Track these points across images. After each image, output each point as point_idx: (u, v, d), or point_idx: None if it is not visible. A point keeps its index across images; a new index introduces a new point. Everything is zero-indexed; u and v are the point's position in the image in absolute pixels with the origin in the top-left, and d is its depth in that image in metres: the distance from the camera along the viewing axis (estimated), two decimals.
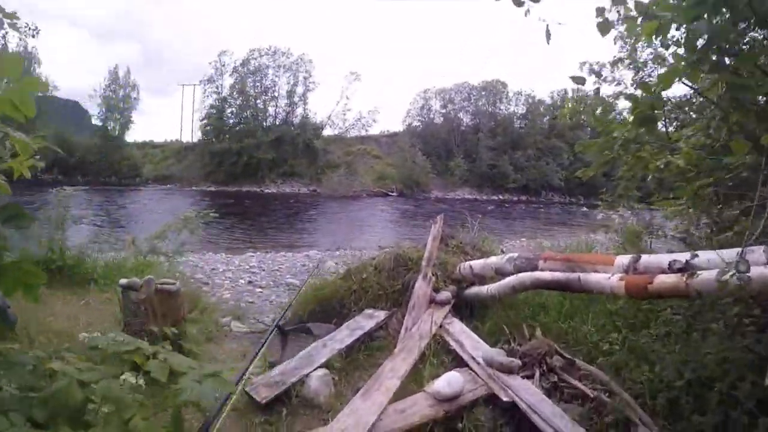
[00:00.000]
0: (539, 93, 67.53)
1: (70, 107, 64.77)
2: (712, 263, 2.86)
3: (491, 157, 58.56)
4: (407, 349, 4.31)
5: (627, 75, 8.23)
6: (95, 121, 57.70)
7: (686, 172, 3.63)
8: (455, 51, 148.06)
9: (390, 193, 51.04)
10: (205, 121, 57.10)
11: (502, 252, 7.39)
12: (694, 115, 4.53)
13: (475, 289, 5.35)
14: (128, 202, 37.80)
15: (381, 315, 5.18)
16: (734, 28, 2.50)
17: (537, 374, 3.85)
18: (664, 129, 4.28)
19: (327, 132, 60.16)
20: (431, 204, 43.95)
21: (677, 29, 2.77)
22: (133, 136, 59.08)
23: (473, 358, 4.10)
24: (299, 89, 59.08)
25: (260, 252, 18.07)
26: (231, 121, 56.62)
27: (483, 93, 64.32)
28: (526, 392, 3.52)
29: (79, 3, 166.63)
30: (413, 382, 4.00)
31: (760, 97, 2.77)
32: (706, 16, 2.31)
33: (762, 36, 3.00)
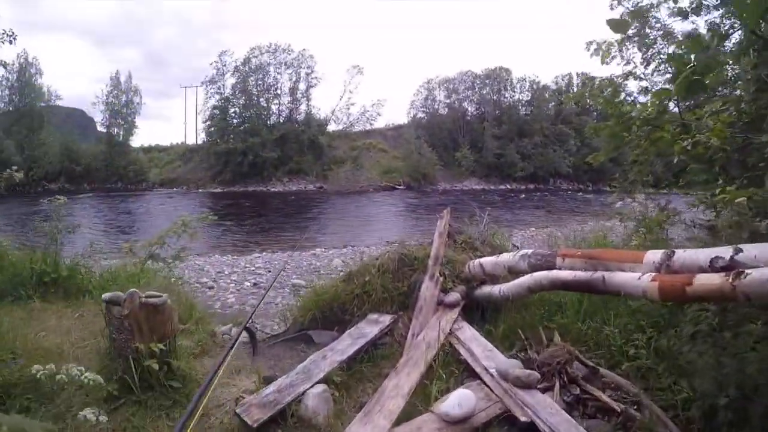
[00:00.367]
0: (544, 78, 66.82)
1: (75, 116, 64.91)
2: (761, 259, 2.45)
3: (497, 146, 58.00)
4: (413, 362, 3.95)
5: (637, 55, 7.83)
6: (100, 128, 57.79)
7: (717, 151, 3.24)
8: (457, 38, 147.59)
9: (397, 187, 50.69)
10: (208, 122, 56.87)
11: (514, 246, 7.01)
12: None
13: (486, 289, 4.97)
14: (134, 208, 37.67)
15: (386, 320, 4.81)
16: None
17: (557, 386, 3.50)
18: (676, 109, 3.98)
19: (331, 127, 59.91)
20: (438, 196, 43.64)
21: None
22: (138, 140, 59.53)
23: (486, 370, 3.73)
24: (302, 86, 58.88)
25: (266, 252, 17.89)
26: (235, 121, 56.34)
27: (487, 81, 63.81)
28: (547, 411, 3.16)
29: (80, 12, 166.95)
30: (420, 399, 3.64)
31: None
32: None
33: None
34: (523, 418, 3.16)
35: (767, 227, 3.14)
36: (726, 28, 4.87)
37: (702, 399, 3.01)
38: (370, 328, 4.65)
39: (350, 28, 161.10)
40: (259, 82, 57.49)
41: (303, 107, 58.99)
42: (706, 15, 5.35)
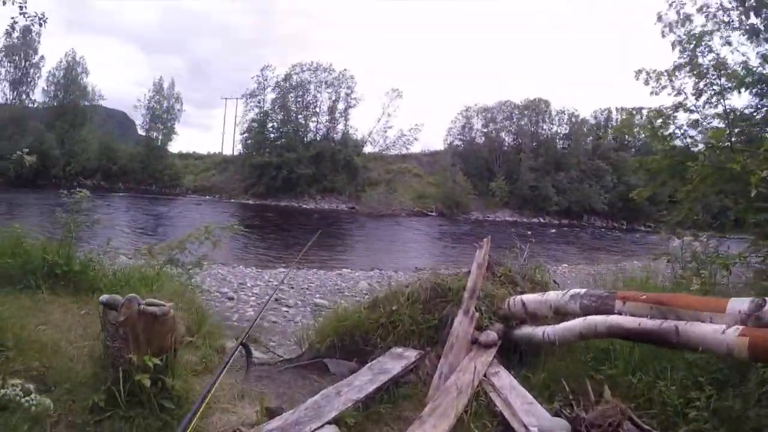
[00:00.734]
0: (582, 112, 65.84)
1: (116, 116, 66.81)
2: None
3: (533, 178, 56.97)
4: (440, 410, 3.39)
5: (688, 84, 7.37)
6: (140, 131, 59.15)
7: None
8: (497, 67, 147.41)
9: (429, 213, 50.23)
10: (246, 134, 57.59)
11: (555, 283, 6.40)
12: None
13: (526, 330, 4.39)
14: (164, 211, 37.92)
15: (412, 356, 4.28)
16: None
17: None
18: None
19: (368, 149, 59.95)
20: (471, 225, 42.98)
21: None
22: (176, 146, 60.72)
23: (526, 428, 3.16)
24: (340, 105, 59.20)
25: (292, 268, 17.47)
26: (272, 135, 56.77)
27: (525, 112, 63.13)
28: None
29: (129, 17, 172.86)
30: None
31: None
32: None
33: None
34: None
35: None
36: None
37: None
38: (393, 363, 4.12)
39: (390, 50, 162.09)
40: (299, 99, 57.90)
41: (340, 127, 59.39)
42: None
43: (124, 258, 13.21)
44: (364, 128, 62.78)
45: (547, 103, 63.34)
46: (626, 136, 51.26)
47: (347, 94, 58.94)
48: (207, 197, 51.42)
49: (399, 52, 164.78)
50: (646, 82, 7.76)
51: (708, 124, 7.15)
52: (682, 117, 7.32)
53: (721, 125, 6.82)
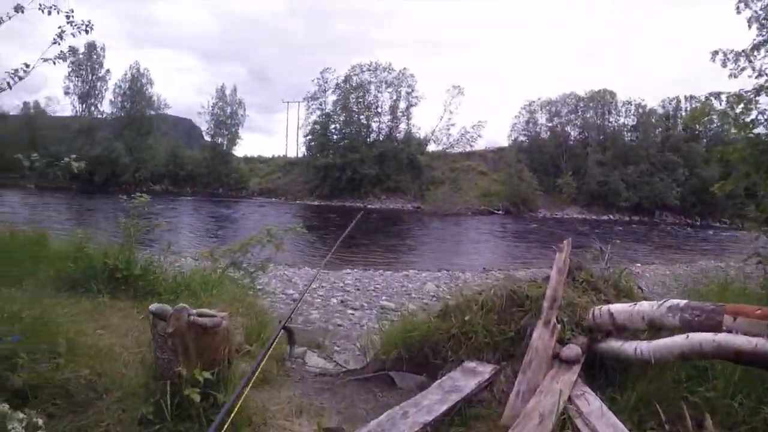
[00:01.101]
0: (650, 102, 62.90)
1: (183, 124, 70.00)
2: None
3: (601, 173, 55.08)
4: None
5: None
6: (206, 137, 61.22)
7: None
8: (558, 58, 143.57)
9: (495, 211, 49.34)
10: (309, 136, 58.72)
11: (639, 290, 5.78)
12: None
13: (614, 345, 3.87)
14: (230, 213, 38.82)
15: (486, 371, 3.87)
16: None
17: None
18: None
19: (431, 147, 59.78)
20: (538, 223, 41.88)
21: None
22: (241, 150, 63.00)
23: None
24: (402, 104, 59.44)
25: (357, 269, 17.33)
26: (335, 136, 57.57)
27: (591, 104, 61.29)
28: None
29: (190, 29, 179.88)
30: None
31: None
32: None
33: None
34: None
35: None
36: None
37: None
38: (465, 380, 3.73)
39: (450, 46, 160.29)
40: (360, 100, 58.34)
41: (403, 126, 59.50)
42: None
43: (186, 261, 13.44)
44: (427, 127, 62.78)
45: (613, 94, 61.39)
46: (698, 126, 48.80)
47: (408, 93, 59.14)
48: (272, 199, 52.45)
49: (457, 48, 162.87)
50: (724, 64, 7.20)
51: None
52: (765, 101, 6.68)
53: None
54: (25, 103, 61.95)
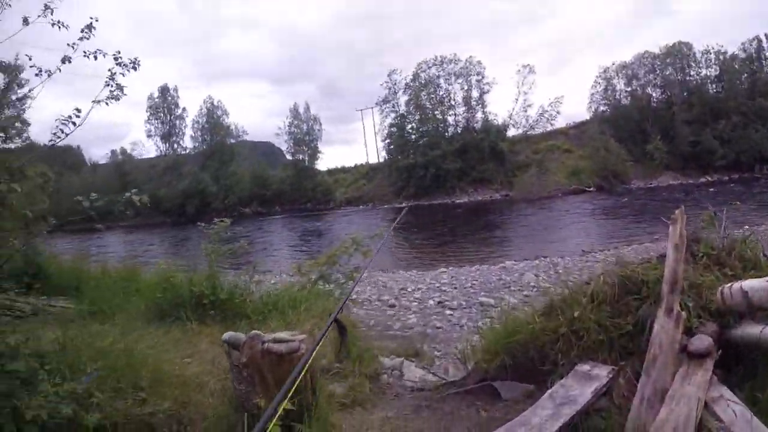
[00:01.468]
0: (729, 47, 57.50)
1: (263, 147, 73.28)
2: None
3: (690, 132, 51.02)
4: None
5: None
6: (288, 156, 63.12)
7: None
8: (625, 17, 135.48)
9: (587, 189, 47.10)
10: (387, 140, 58.75)
11: (766, 257, 4.84)
12: None
13: (751, 331, 3.14)
14: (318, 226, 39.40)
15: (602, 374, 3.31)
16: None
17: None
18: None
19: (511, 132, 57.87)
20: (632, 196, 39.73)
21: None
22: (323, 164, 65.15)
23: None
24: (474, 93, 58.05)
25: (453, 267, 16.94)
26: (413, 136, 57.19)
27: (668, 60, 56.69)
28: None
29: (257, 59, 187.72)
30: None
31: None
32: None
33: None
34: None
35: None
36: None
37: None
38: (579, 387, 3.19)
39: (511, 26, 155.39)
40: (431, 96, 57.62)
41: (479, 115, 58.05)
42: None
43: (274, 278, 13.47)
44: (504, 112, 61.04)
45: (689, 46, 56.86)
46: None
47: (478, 81, 57.75)
48: (360, 207, 52.92)
49: (520, 25, 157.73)
50: None
51: None
52: None
53: None
54: (113, 151, 69.14)
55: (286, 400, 1.32)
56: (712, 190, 38.34)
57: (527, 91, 56.38)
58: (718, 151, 49.67)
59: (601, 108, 59.91)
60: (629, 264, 3.92)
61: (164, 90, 64.38)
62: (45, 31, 4.22)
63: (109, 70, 4.23)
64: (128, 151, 67.46)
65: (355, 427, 3.50)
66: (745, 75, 54.83)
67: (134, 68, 4.39)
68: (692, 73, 57.18)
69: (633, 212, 30.00)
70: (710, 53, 56.54)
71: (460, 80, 58.00)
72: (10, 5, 4.08)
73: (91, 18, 4.21)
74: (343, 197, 57.31)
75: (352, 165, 66.35)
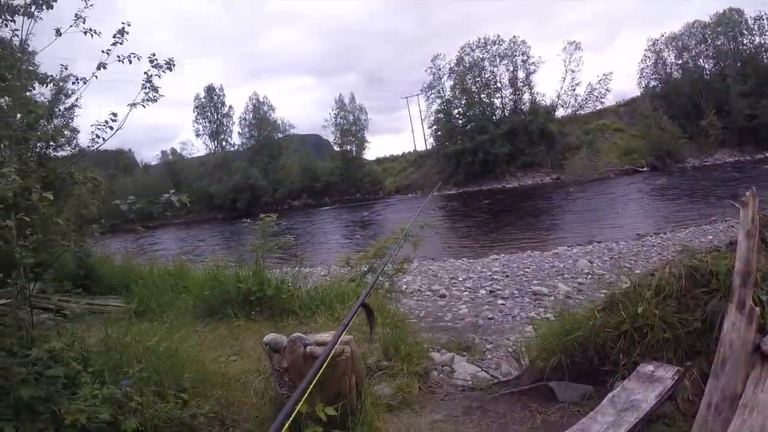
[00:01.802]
0: None
1: (311, 140, 74.40)
2: None
3: (747, 105, 47.68)
4: None
5: None
6: (335, 147, 63.88)
7: None
8: None
9: (640, 169, 45.19)
10: (434, 126, 58.05)
11: None
12: None
13: None
14: (367, 215, 39.51)
15: (667, 376, 3.06)
16: None
17: None
18: None
19: (560, 113, 56.20)
20: (687, 175, 38.21)
21: None
22: (371, 154, 65.82)
23: None
24: (520, 74, 56.36)
25: (504, 254, 16.55)
26: (460, 121, 56.23)
27: (719, 29, 53.34)
28: None
29: (302, 53, 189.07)
30: None
31: None
32: None
33: None
34: None
35: None
36: None
37: None
38: (642, 390, 2.94)
39: (557, 2, 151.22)
40: (477, 79, 56.38)
41: (526, 96, 56.51)
42: None
43: (322, 271, 13.45)
44: (552, 92, 59.66)
45: (740, 12, 53.34)
46: None
47: (524, 62, 56.08)
48: (409, 195, 52.65)
49: (565, 3, 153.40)
50: None
51: None
52: None
53: None
54: (163, 152, 72.27)
55: (301, 402, 1.19)
56: (767, 167, 36.46)
57: (575, 69, 54.62)
58: None
59: (652, 83, 57.27)
60: (696, 253, 3.61)
61: (210, 90, 66.14)
62: (85, 41, 4.30)
63: (145, 72, 4.28)
64: (178, 151, 70.04)
65: (402, 430, 3.36)
66: None
67: (169, 69, 4.43)
68: (745, 41, 53.84)
69: (687, 192, 28.77)
70: (763, 19, 53.13)
71: (505, 61, 56.57)
72: (41, 18, 4.09)
73: (123, 23, 4.23)
74: (392, 186, 57.18)
75: (400, 153, 66.34)
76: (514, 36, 56.61)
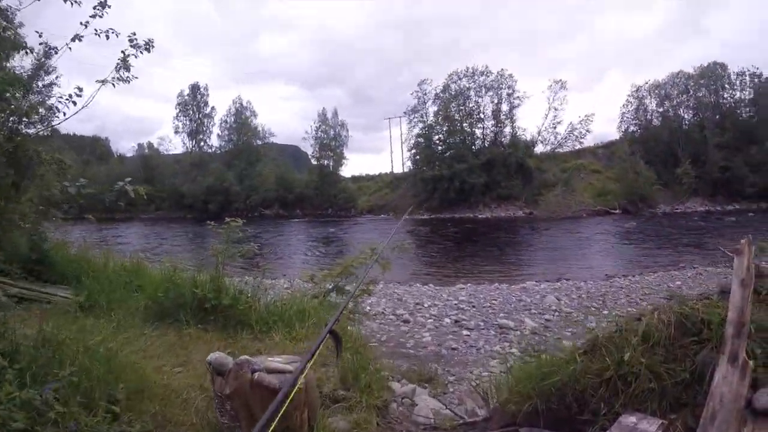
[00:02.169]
0: (765, 70, 55.57)
1: (289, 150, 74.77)
2: None
3: (722, 157, 49.46)
4: None
5: None
6: (313, 161, 64.30)
7: None
8: (661, 36, 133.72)
9: (612, 211, 46.15)
10: (414, 150, 58.22)
11: None
12: None
13: None
14: (338, 232, 39.22)
15: (651, 429, 2.76)
16: None
17: None
18: None
19: (539, 149, 57.21)
20: (658, 220, 38.81)
21: None
22: (348, 171, 65.49)
23: None
24: (504, 107, 57.50)
25: (471, 284, 16.34)
26: (439, 147, 56.74)
27: (701, 81, 55.23)
28: None
29: (288, 61, 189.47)
30: None
31: None
32: None
33: None
34: None
35: None
36: None
37: None
38: None
39: (545, 39, 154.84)
40: (461, 108, 57.20)
41: (507, 129, 57.57)
42: None
43: (286, 284, 13.00)
44: (533, 127, 60.52)
45: (724, 67, 55.52)
46: None
47: (509, 95, 57.22)
48: (381, 216, 52.45)
49: (554, 39, 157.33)
50: None
51: None
52: None
53: None
54: (140, 145, 71.58)
55: None
56: (732, 219, 37.25)
57: (558, 107, 55.74)
58: (748, 178, 48.07)
59: (632, 128, 59.16)
60: (686, 300, 3.36)
61: (195, 88, 66.29)
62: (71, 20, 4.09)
63: (122, 51, 4.11)
64: (155, 146, 69.45)
65: None
66: None
67: (147, 50, 4.22)
68: (726, 95, 55.89)
69: (654, 238, 29.28)
70: (745, 75, 55.30)
71: (490, 93, 57.62)
72: None
73: None
74: (365, 205, 57.16)
75: (377, 173, 66.60)
76: (502, 69, 57.49)
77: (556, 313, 11.92)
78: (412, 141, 58.53)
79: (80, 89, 3.92)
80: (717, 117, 53.77)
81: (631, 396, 3.04)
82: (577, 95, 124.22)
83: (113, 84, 4.11)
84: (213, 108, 66.74)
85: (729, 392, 2.78)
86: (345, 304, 4.33)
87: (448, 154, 54.62)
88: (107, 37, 4.04)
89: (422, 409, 4.30)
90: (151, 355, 4.61)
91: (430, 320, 11.58)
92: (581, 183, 51.13)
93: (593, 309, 12.33)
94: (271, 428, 1.55)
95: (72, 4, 4.11)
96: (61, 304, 5.97)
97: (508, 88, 57.00)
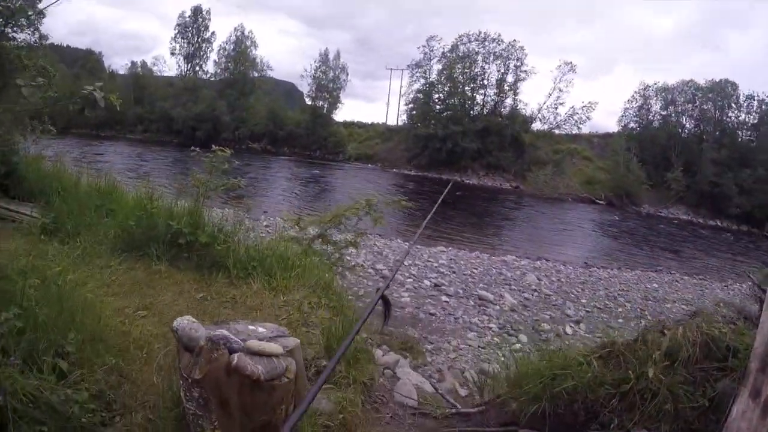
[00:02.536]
0: None
1: (284, 86, 72.81)
2: None
3: (714, 173, 48.91)
4: None
5: None
6: (307, 100, 62.65)
7: None
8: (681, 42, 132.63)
9: (597, 201, 46.13)
10: (411, 105, 57.03)
11: None
12: None
13: None
14: (326, 177, 38.72)
15: None
16: None
17: None
18: None
19: (536, 126, 56.05)
20: (641, 220, 38.88)
21: None
22: (341, 115, 63.81)
23: None
24: (509, 78, 55.97)
25: (453, 248, 16.23)
26: (437, 107, 55.43)
27: (710, 95, 54.43)
28: None
29: None
30: None
31: None
32: None
33: None
34: None
35: None
36: None
37: None
38: None
39: (561, 18, 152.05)
40: (466, 71, 55.54)
41: (509, 101, 56.24)
42: None
43: (266, 222, 12.59)
44: (533, 104, 59.69)
45: (735, 86, 54.46)
46: None
47: (517, 67, 55.57)
48: (369, 165, 51.92)
49: (570, 20, 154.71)
50: None
51: None
52: None
53: None
54: (133, 63, 67.52)
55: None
56: (704, 232, 37.84)
57: (563, 89, 54.70)
58: (734, 199, 47.83)
59: (632, 124, 58.50)
60: (714, 321, 3.05)
61: (197, 10, 63.04)
62: None
63: None
64: (149, 65, 66.52)
65: None
66: None
67: None
68: (731, 114, 55.24)
69: (633, 235, 29.30)
70: (754, 99, 54.50)
71: (498, 61, 55.98)
72: None
73: None
74: (354, 152, 55.99)
75: (369, 122, 65.03)
76: (514, 40, 55.73)
77: (536, 293, 11.86)
78: (411, 96, 57.35)
79: None
80: (717, 133, 53.34)
81: (646, 413, 2.77)
82: (582, 83, 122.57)
83: None
84: (213, 33, 64.09)
85: (747, 429, 2.53)
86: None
87: (445, 114, 53.59)
88: None
89: (405, 384, 4.05)
90: (114, 292, 4.12)
91: (409, 279, 11.45)
92: (572, 168, 50.70)
93: (572, 295, 12.27)
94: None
95: None
96: (29, 224, 5.47)
97: (517, 60, 55.52)
